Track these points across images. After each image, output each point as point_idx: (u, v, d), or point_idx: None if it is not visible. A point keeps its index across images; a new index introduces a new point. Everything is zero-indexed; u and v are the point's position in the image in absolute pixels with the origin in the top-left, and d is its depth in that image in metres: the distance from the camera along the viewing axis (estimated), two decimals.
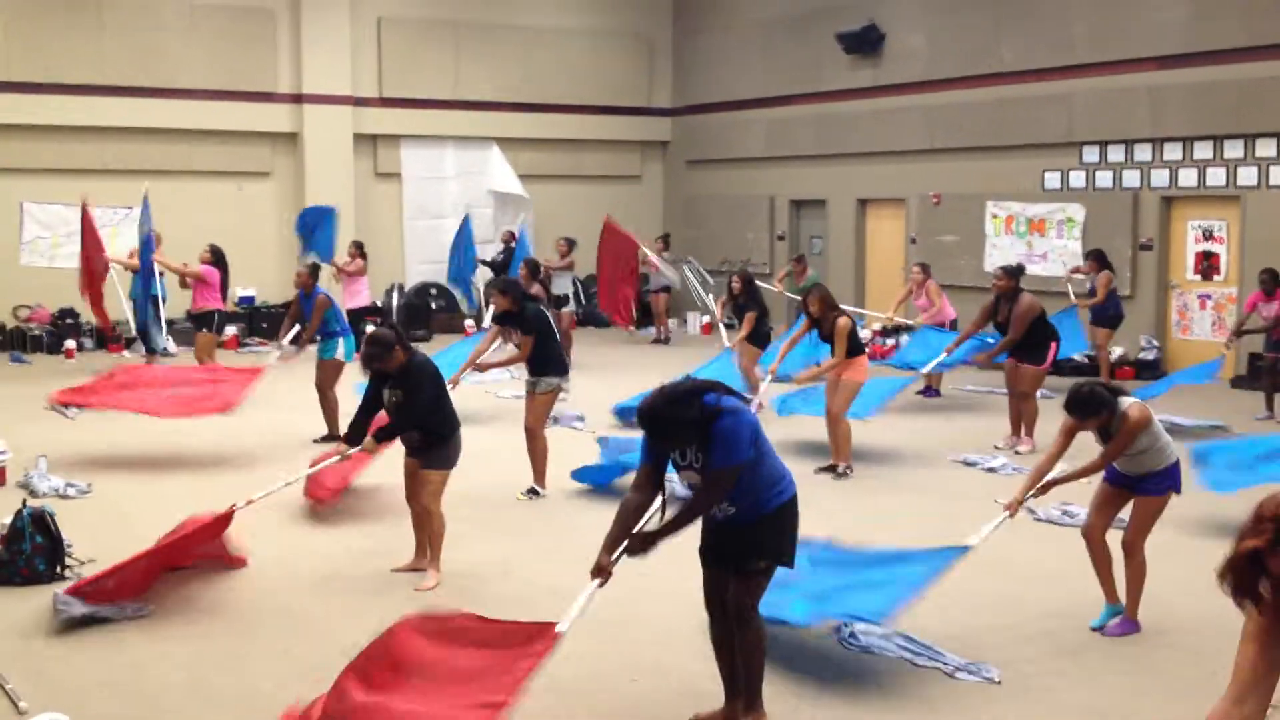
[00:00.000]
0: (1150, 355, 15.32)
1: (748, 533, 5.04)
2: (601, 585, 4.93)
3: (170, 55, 18.68)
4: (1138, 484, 6.33)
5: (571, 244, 17.43)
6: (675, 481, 5.21)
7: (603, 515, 8.63)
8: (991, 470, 10.22)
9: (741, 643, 5.11)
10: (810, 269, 16.49)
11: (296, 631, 6.45)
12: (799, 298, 13.16)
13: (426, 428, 7.04)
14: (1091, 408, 6.17)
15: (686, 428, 4.89)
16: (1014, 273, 11.20)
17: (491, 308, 10.06)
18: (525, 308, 9.14)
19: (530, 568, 7.53)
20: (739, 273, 13.26)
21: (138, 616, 6.51)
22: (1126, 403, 6.21)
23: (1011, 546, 7.99)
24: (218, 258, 14.00)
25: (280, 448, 10.91)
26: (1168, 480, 6.32)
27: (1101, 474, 6.44)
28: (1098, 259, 14.15)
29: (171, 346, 15.90)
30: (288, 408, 12.36)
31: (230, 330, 17.92)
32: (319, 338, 11.36)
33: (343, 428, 8.34)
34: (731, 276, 13.21)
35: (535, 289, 12.38)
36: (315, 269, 11.88)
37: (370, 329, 7.97)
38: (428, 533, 7.19)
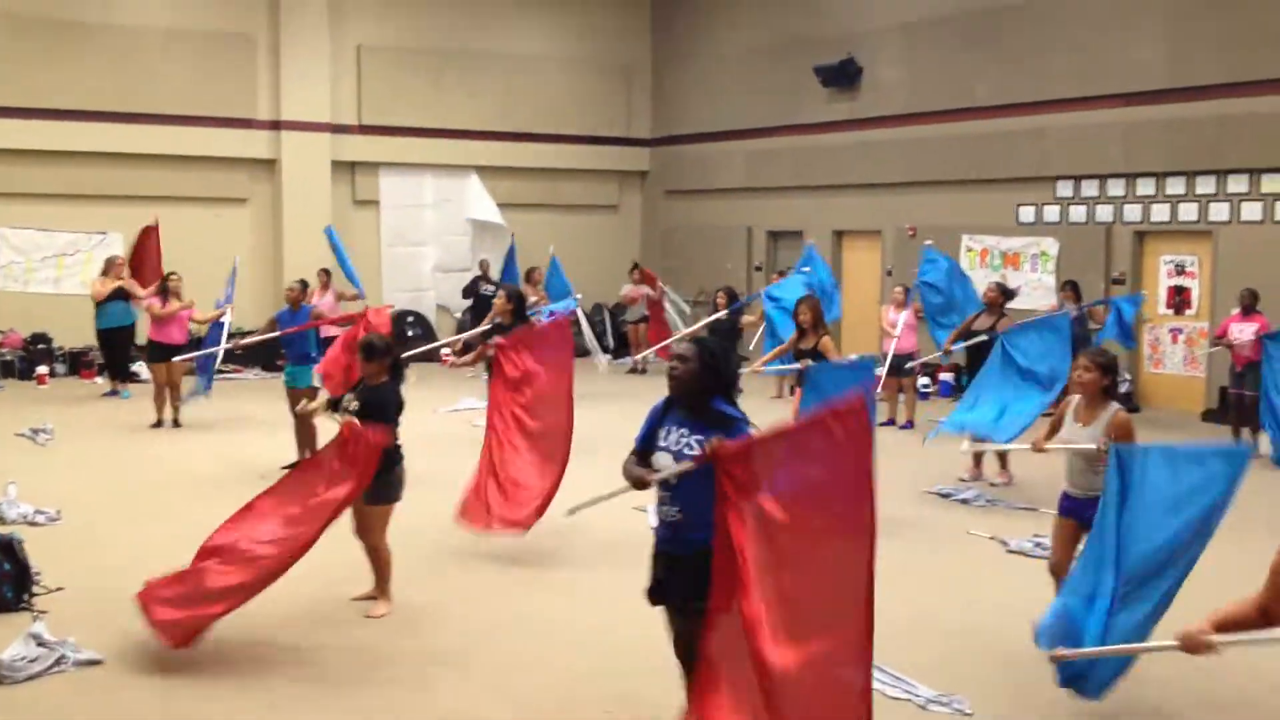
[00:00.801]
0: (1123, 388, 15.39)
1: (693, 566, 4.75)
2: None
3: (149, 81, 18.65)
4: (1087, 512, 6.21)
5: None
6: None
7: (579, 548, 8.65)
8: (965, 502, 10.24)
9: None
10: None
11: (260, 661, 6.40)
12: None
13: None
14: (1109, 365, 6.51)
15: (714, 389, 4.86)
16: (1007, 292, 11.68)
17: (490, 314, 9.95)
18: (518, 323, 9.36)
19: (499, 598, 7.49)
20: (724, 289, 13.24)
21: (90, 663, 6.29)
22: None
23: (983, 578, 8.01)
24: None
25: (248, 473, 10.84)
26: None
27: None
28: (1074, 290, 14.31)
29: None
30: (246, 432, 12.28)
31: None
32: (291, 364, 11.28)
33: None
34: (716, 293, 13.17)
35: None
36: (305, 285, 11.98)
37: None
38: (376, 565, 7.11)
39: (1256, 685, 6.18)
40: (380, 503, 6.94)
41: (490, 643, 6.69)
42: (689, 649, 4.89)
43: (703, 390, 4.85)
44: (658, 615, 5.12)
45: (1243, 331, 12.34)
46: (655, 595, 5.09)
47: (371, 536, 7.01)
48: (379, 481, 6.77)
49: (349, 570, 7.40)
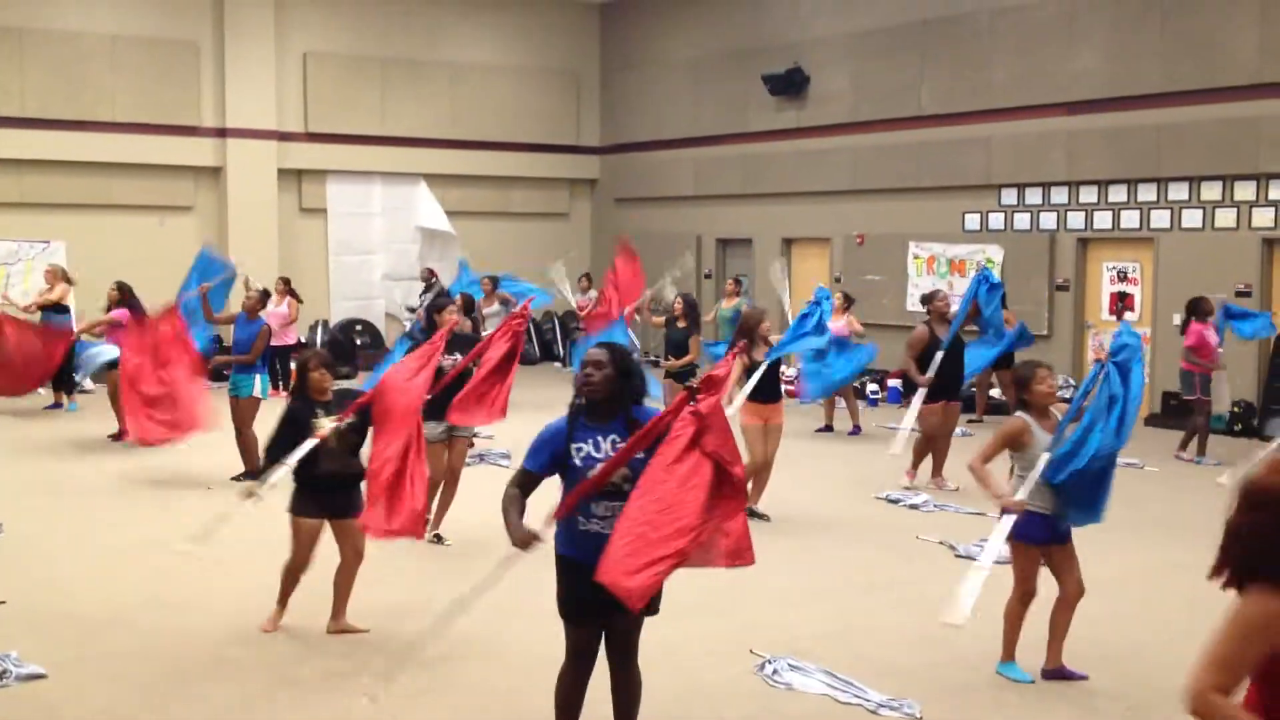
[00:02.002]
0: (1067, 394, 15.57)
1: None
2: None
3: (92, 87, 18.45)
4: (1061, 527, 6.17)
5: (495, 281, 17.40)
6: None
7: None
8: (914, 507, 10.32)
9: (634, 683, 4.96)
10: (741, 295, 16.70)
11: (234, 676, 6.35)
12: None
13: (358, 461, 6.84)
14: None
15: (630, 394, 4.79)
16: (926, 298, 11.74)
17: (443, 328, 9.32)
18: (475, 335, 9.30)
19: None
20: (681, 296, 12.51)
21: (33, 678, 6.13)
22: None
23: (930, 582, 8.07)
24: (126, 295, 13.38)
25: (194, 484, 10.74)
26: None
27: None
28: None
29: (88, 384, 15.66)
30: (193, 442, 12.14)
31: None
32: (235, 372, 11.13)
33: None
34: (675, 299, 12.37)
35: (467, 326, 12.16)
36: (266, 295, 11.83)
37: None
38: (349, 577, 6.85)
39: None
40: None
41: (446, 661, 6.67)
42: (623, 656, 4.89)
43: (620, 395, 4.78)
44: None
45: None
46: (588, 611, 4.75)
47: (362, 547, 6.83)
48: (359, 493, 6.75)
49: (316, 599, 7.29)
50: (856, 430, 14.00)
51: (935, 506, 10.27)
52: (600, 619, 4.79)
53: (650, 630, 4.99)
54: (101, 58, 18.56)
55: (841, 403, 14.18)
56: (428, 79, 21.11)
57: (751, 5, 19.79)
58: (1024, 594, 6.27)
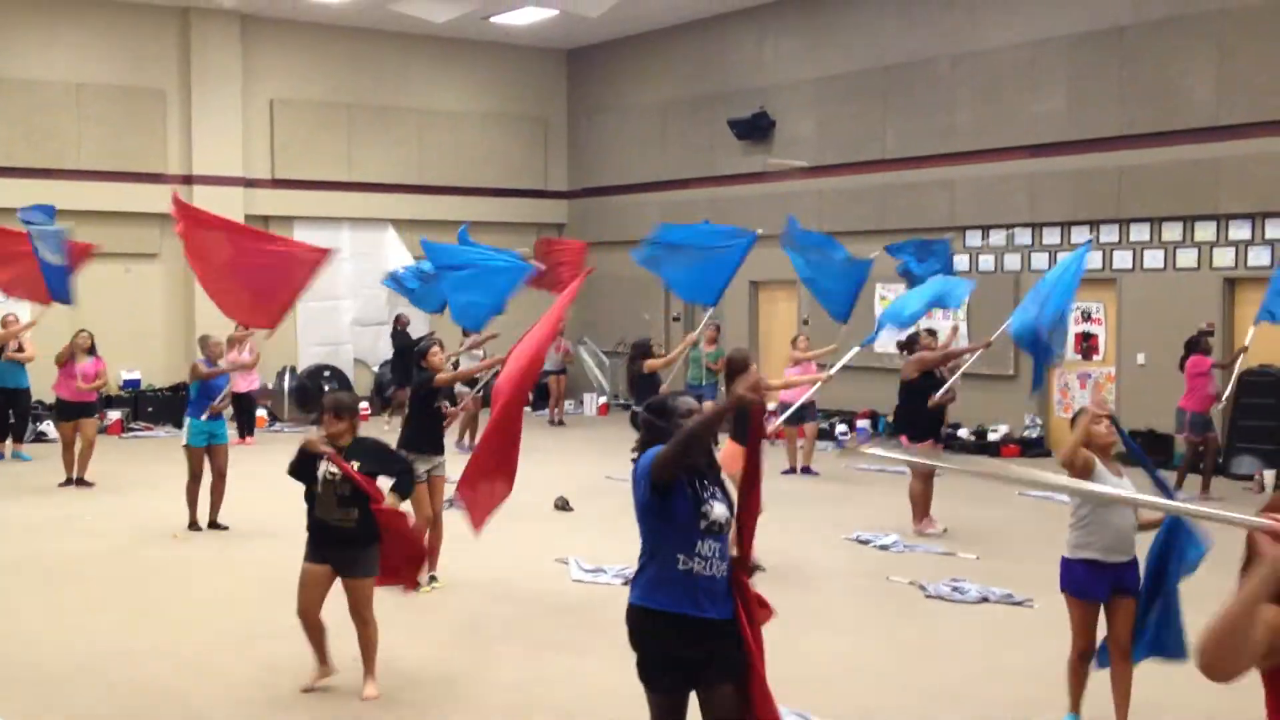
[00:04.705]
0: (1034, 433, 15.72)
1: (736, 633, 4.43)
2: None
3: (57, 135, 18.39)
4: (1129, 576, 5.86)
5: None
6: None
7: (527, 612, 8.59)
8: (884, 548, 10.33)
9: None
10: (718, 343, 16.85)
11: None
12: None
13: (362, 514, 6.42)
14: None
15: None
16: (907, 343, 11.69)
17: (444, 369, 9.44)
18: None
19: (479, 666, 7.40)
20: (637, 343, 12.47)
21: None
22: None
23: (903, 622, 8.09)
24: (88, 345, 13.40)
25: (160, 534, 10.64)
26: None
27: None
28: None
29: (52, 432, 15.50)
30: (156, 491, 11.97)
31: (114, 415, 17.58)
32: (207, 422, 10.99)
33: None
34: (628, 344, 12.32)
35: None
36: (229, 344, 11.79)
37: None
38: (367, 643, 6.60)
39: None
40: (368, 574, 6.53)
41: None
42: None
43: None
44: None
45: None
46: (680, 677, 4.43)
47: (368, 611, 6.55)
48: (373, 552, 6.49)
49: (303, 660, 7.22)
50: (808, 470, 14.05)
51: (905, 547, 10.28)
52: (688, 683, 4.45)
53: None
54: (67, 105, 18.51)
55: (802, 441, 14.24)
56: (395, 125, 21.16)
57: (717, 51, 19.98)
58: (1082, 650, 5.91)
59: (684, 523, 4.37)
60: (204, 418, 10.77)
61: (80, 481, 13.04)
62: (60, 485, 13.04)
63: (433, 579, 8.86)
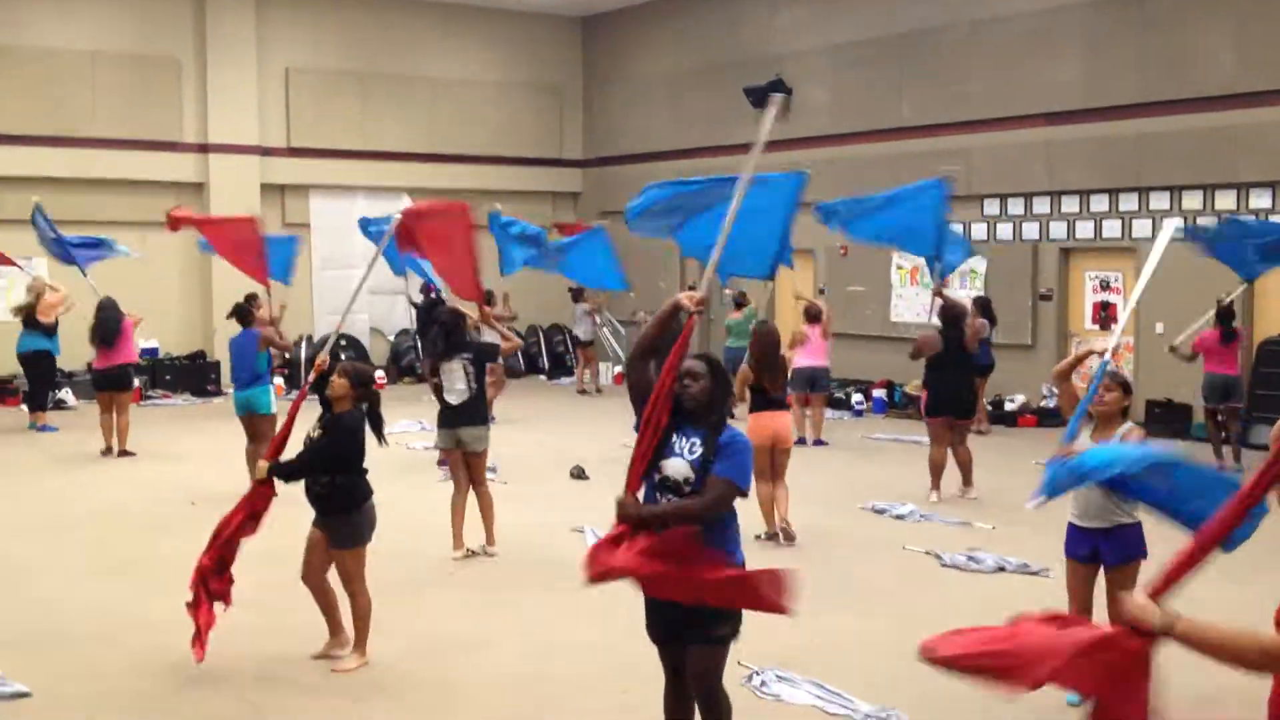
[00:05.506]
0: (1051, 403, 15.65)
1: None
2: None
3: (73, 104, 18.41)
4: (1106, 544, 5.93)
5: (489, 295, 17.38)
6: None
7: (543, 579, 8.64)
8: (900, 518, 10.34)
9: (711, 713, 4.73)
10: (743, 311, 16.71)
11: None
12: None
13: (333, 483, 6.45)
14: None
15: (721, 397, 4.71)
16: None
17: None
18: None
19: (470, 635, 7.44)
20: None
21: (18, 696, 6.10)
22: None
23: (919, 592, 8.10)
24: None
25: (180, 503, 10.70)
26: (1136, 543, 5.93)
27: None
28: (980, 307, 14.31)
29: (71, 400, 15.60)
30: (176, 460, 12.04)
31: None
32: (243, 388, 11.16)
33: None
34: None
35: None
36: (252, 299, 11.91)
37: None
38: (353, 615, 6.62)
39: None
40: (349, 545, 6.48)
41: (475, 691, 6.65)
42: (708, 689, 4.67)
43: (713, 405, 4.74)
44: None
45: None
46: (665, 631, 4.72)
47: (353, 584, 6.54)
48: (349, 522, 6.46)
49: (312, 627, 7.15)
50: (820, 443, 13.97)
51: (921, 517, 10.29)
52: (669, 643, 4.72)
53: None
54: (82, 74, 18.52)
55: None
56: (410, 94, 21.12)
57: (733, 19, 19.87)
58: (1076, 613, 5.81)
59: (651, 478, 4.62)
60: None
61: (123, 452, 13.14)
62: (102, 454, 13.19)
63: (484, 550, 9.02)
